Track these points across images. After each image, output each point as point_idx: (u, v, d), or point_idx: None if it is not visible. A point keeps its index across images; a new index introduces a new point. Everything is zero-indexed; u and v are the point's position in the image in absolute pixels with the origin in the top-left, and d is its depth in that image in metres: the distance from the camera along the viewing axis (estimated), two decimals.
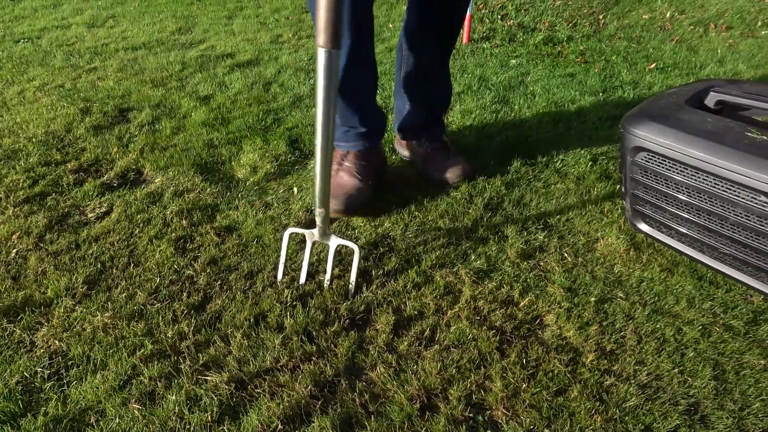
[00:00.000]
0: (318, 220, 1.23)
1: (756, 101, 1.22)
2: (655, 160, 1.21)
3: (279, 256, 1.30)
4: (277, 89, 2.32)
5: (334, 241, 1.26)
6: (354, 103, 1.52)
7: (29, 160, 1.73)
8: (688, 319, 1.15)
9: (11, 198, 1.54)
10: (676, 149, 1.16)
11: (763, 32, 2.99)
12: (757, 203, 1.06)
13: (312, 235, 1.27)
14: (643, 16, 3.28)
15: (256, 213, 1.49)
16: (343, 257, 1.32)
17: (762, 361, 1.05)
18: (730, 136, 1.12)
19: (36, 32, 3.15)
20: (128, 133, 1.94)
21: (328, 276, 1.25)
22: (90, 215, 1.49)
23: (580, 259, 1.33)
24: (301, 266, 1.26)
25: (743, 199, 1.08)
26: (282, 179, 1.67)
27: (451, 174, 1.61)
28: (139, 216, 1.48)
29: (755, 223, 1.08)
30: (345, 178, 1.51)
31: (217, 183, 1.64)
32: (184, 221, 1.45)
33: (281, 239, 1.31)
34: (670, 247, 1.30)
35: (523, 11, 3.46)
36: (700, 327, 1.13)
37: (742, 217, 1.10)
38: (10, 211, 1.49)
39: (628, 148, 1.26)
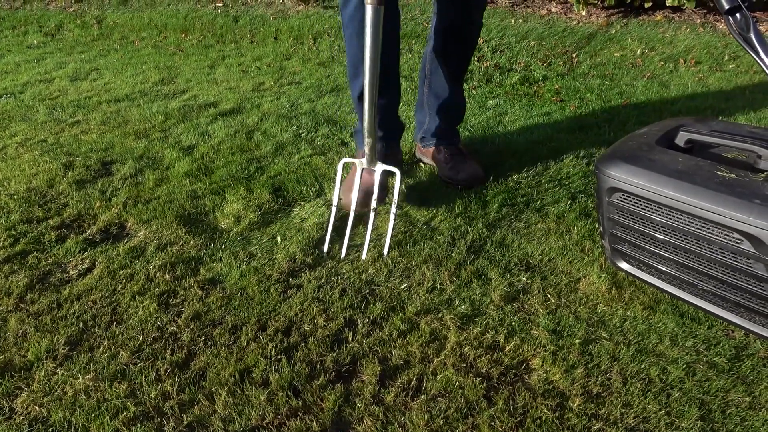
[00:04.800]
0: (366, 149, 1.54)
1: (724, 139, 1.26)
2: (630, 200, 1.24)
3: (334, 184, 1.58)
4: (260, 137, 2.34)
5: (380, 167, 1.56)
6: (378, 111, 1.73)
7: (10, 218, 1.72)
8: (673, 358, 1.15)
9: None
10: (649, 189, 1.18)
11: (730, 66, 3.10)
12: (730, 240, 1.08)
13: (361, 163, 1.58)
14: (615, 54, 3.39)
15: (239, 264, 1.49)
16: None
17: (747, 399, 1.06)
18: (700, 174, 1.15)
19: (19, 87, 3.17)
20: (111, 186, 1.94)
21: (374, 199, 1.54)
22: (72, 272, 1.48)
23: (563, 299, 1.34)
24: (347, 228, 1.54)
25: (717, 236, 1.10)
26: (265, 228, 1.67)
27: (466, 174, 1.85)
28: (121, 272, 1.47)
29: (730, 259, 1.10)
30: (364, 176, 1.67)
31: (200, 234, 1.64)
32: (167, 275, 1.45)
33: (336, 168, 1.57)
34: (650, 284, 1.31)
35: (498, 52, 3.56)
36: (685, 365, 1.13)
37: (717, 254, 1.12)
38: None
39: (604, 189, 1.29)
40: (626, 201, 1.25)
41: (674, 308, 1.29)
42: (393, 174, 1.57)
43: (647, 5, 3.71)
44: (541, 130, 2.34)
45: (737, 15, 1.11)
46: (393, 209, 1.54)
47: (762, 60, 1.11)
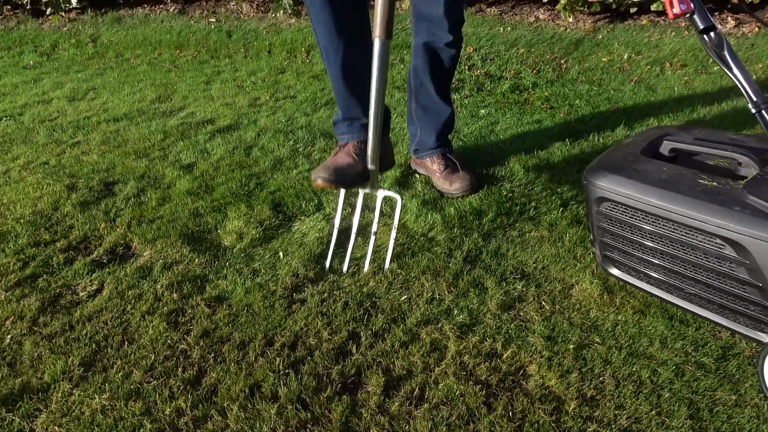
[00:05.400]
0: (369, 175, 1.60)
1: (706, 147, 1.31)
2: (618, 209, 1.29)
3: (334, 199, 1.68)
4: (258, 153, 2.39)
5: (381, 193, 1.63)
6: (357, 94, 1.79)
7: (18, 242, 1.77)
8: (663, 360, 1.21)
9: (2, 282, 1.58)
10: (635, 198, 1.24)
11: (715, 68, 3.17)
12: (713, 245, 1.14)
13: (363, 187, 1.64)
14: (602, 59, 3.46)
15: (244, 281, 1.54)
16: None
17: (733, 397, 1.11)
18: (683, 183, 1.21)
19: (18, 109, 3.21)
20: (115, 206, 1.99)
21: (375, 222, 1.60)
22: (82, 294, 1.53)
23: (557, 306, 1.39)
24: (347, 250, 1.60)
25: (701, 242, 1.16)
26: (267, 244, 1.72)
27: (459, 185, 1.91)
28: (130, 292, 1.52)
29: (714, 264, 1.16)
30: (341, 157, 1.74)
31: (204, 252, 1.69)
32: (174, 294, 1.49)
33: (338, 194, 1.66)
34: (640, 289, 1.37)
35: (489, 60, 3.62)
36: (674, 367, 1.19)
37: (702, 259, 1.18)
38: (2, 296, 1.52)
39: (592, 199, 1.35)
40: (614, 210, 1.30)
41: (663, 311, 1.35)
42: (394, 199, 1.62)
43: (632, 10, 3.78)
44: (532, 138, 2.39)
45: (711, 34, 1.17)
46: (393, 234, 1.58)
47: (735, 76, 1.17)
